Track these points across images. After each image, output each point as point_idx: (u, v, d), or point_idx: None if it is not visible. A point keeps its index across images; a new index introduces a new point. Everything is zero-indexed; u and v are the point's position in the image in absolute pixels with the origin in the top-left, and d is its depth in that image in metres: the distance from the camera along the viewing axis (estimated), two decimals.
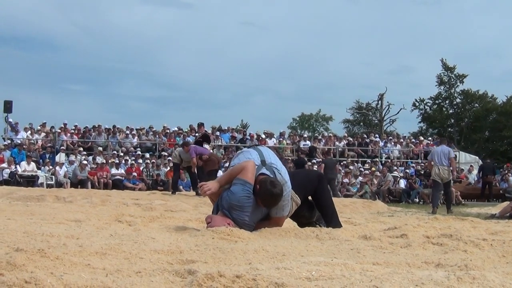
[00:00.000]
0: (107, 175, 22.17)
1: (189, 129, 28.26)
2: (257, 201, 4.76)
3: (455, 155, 26.99)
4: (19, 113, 65.70)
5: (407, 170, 24.63)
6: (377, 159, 26.57)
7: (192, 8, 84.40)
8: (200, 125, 18.47)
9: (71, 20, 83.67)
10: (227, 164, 20.65)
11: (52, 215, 6.27)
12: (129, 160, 23.67)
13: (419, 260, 3.46)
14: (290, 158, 25.23)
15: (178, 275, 2.66)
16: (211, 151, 18.68)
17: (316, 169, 20.79)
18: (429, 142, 29.69)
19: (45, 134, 25.88)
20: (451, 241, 4.56)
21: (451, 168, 13.39)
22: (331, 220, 5.50)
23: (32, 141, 25.02)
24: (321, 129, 64.24)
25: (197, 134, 20.06)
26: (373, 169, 24.18)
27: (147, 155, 24.49)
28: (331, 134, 30.56)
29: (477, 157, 29.59)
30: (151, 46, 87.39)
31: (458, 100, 55.48)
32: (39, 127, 26.44)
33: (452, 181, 14.13)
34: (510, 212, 10.13)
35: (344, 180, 23.24)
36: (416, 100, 57.34)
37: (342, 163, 26.11)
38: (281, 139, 27.85)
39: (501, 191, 23.60)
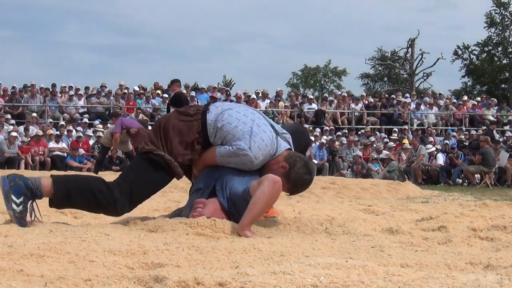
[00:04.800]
0: (44, 150, 22.11)
1: (153, 88, 28.24)
2: (282, 184, 4.73)
3: None
4: None
5: (447, 141, 24.74)
6: (407, 127, 26.65)
7: None
8: (174, 82, 18.39)
9: None
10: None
11: None
12: (74, 130, 23.60)
13: (462, 260, 3.49)
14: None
15: (142, 284, 2.67)
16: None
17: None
18: (476, 103, 29.69)
19: None
20: (505, 234, 4.59)
21: None
22: None
23: None
24: (332, 86, 64.23)
25: (169, 93, 20.13)
26: (405, 141, 24.25)
27: (98, 123, 24.42)
28: (345, 94, 30.57)
29: None
30: None
31: None
32: None
33: None
34: None
35: (358, 154, 23.32)
36: (459, 47, 57.36)
37: (359, 132, 26.19)
38: (277, 99, 27.81)
39: None
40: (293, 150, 5.02)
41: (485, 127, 25.97)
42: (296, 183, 4.78)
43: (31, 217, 4.63)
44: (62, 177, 5.02)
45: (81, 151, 22.44)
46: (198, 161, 4.94)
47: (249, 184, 4.68)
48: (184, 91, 25.66)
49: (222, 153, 4.77)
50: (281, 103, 27.56)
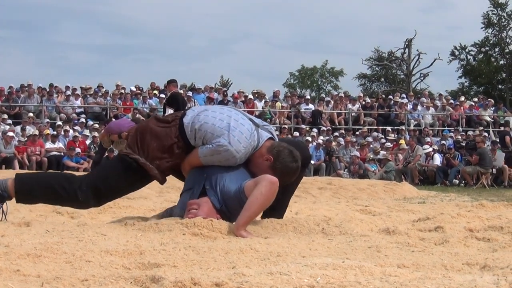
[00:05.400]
0: (40, 150, 22.08)
1: (150, 88, 28.22)
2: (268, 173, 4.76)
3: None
4: None
5: (444, 142, 24.74)
6: (404, 127, 26.65)
7: None
8: (170, 82, 18.35)
9: None
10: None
11: None
12: (71, 130, 23.58)
13: (459, 261, 3.49)
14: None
15: (138, 284, 2.67)
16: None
17: None
18: (473, 104, 29.71)
19: None
20: (502, 235, 4.59)
21: None
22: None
23: None
24: (329, 87, 64.26)
25: (166, 93, 20.11)
26: (402, 141, 24.24)
27: (95, 123, 24.38)
28: (341, 94, 30.58)
29: None
30: None
31: (511, 47, 55.51)
32: None
33: None
34: None
35: (355, 155, 23.33)
36: (456, 48, 57.37)
37: (356, 133, 26.19)
38: (274, 100, 27.79)
39: None
40: (276, 139, 5.04)
41: (482, 127, 25.96)
42: (283, 173, 4.78)
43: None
44: (25, 174, 5.19)
45: (78, 150, 22.43)
46: (184, 164, 4.96)
47: (240, 182, 4.70)
48: (181, 91, 25.69)
49: (204, 153, 4.80)
50: (278, 104, 27.52)
